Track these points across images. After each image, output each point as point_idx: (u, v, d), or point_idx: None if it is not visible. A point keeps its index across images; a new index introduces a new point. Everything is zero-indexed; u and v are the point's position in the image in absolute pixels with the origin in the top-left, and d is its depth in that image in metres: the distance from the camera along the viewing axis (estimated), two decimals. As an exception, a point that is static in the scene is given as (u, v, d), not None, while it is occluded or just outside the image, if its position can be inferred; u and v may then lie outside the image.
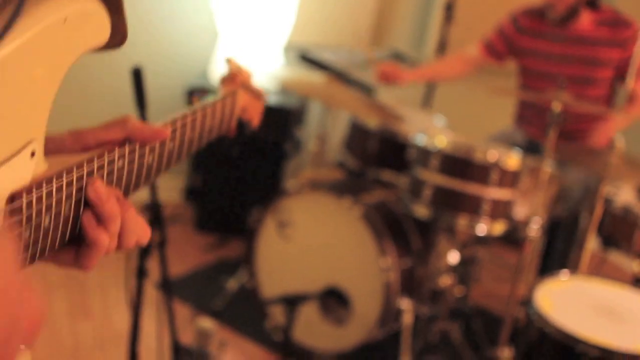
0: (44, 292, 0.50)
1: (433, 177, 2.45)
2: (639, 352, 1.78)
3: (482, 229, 2.45)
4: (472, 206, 2.42)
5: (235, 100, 0.94)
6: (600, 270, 2.92)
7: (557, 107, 2.31)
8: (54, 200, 0.58)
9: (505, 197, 2.46)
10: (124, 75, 2.01)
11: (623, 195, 2.55)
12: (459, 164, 2.42)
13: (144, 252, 1.89)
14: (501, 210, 2.46)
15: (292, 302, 2.19)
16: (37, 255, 0.59)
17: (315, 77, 2.75)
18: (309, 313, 2.51)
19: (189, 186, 3.64)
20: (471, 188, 2.42)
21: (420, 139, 2.53)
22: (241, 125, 0.97)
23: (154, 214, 1.90)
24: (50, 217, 0.58)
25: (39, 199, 0.57)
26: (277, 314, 2.61)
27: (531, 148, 2.92)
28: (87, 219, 0.62)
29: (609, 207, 2.52)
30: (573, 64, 2.87)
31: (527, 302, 2.01)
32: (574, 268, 2.54)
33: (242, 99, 0.96)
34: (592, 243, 2.47)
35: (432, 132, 2.63)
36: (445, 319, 2.71)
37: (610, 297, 2.05)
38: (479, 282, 3.24)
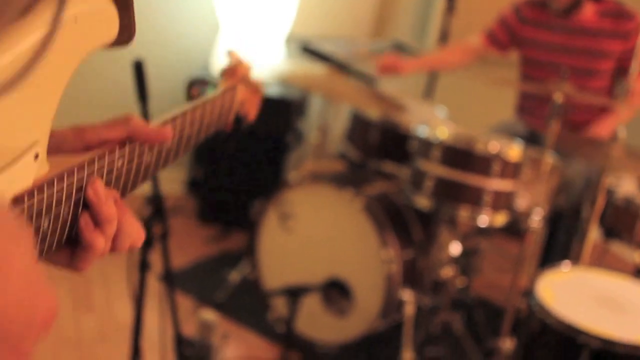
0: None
1: (434, 169, 2.45)
2: (640, 343, 1.79)
3: (483, 220, 2.45)
4: (473, 197, 2.42)
5: (234, 96, 0.93)
6: (602, 261, 2.92)
7: (558, 98, 2.30)
8: (54, 202, 0.58)
9: (507, 188, 2.45)
10: (125, 68, 2.01)
11: (625, 186, 2.55)
12: (460, 155, 2.42)
13: (146, 245, 1.90)
14: (503, 201, 2.46)
15: (294, 294, 2.20)
16: None
17: (317, 69, 2.74)
18: (311, 305, 2.51)
19: (191, 178, 3.64)
20: (473, 179, 2.41)
21: (422, 130, 2.52)
22: (238, 119, 0.96)
23: (156, 206, 1.90)
24: (50, 220, 0.58)
25: (40, 202, 0.56)
26: (279, 306, 2.62)
27: (533, 139, 2.91)
28: (85, 222, 0.62)
29: (610, 198, 2.52)
30: (575, 55, 2.86)
31: (528, 293, 2.01)
32: (575, 259, 2.54)
33: (241, 94, 0.95)
34: (594, 234, 2.47)
35: (433, 123, 2.63)
36: (447, 310, 2.72)
37: (612, 288, 2.05)
38: (480, 273, 3.24)
